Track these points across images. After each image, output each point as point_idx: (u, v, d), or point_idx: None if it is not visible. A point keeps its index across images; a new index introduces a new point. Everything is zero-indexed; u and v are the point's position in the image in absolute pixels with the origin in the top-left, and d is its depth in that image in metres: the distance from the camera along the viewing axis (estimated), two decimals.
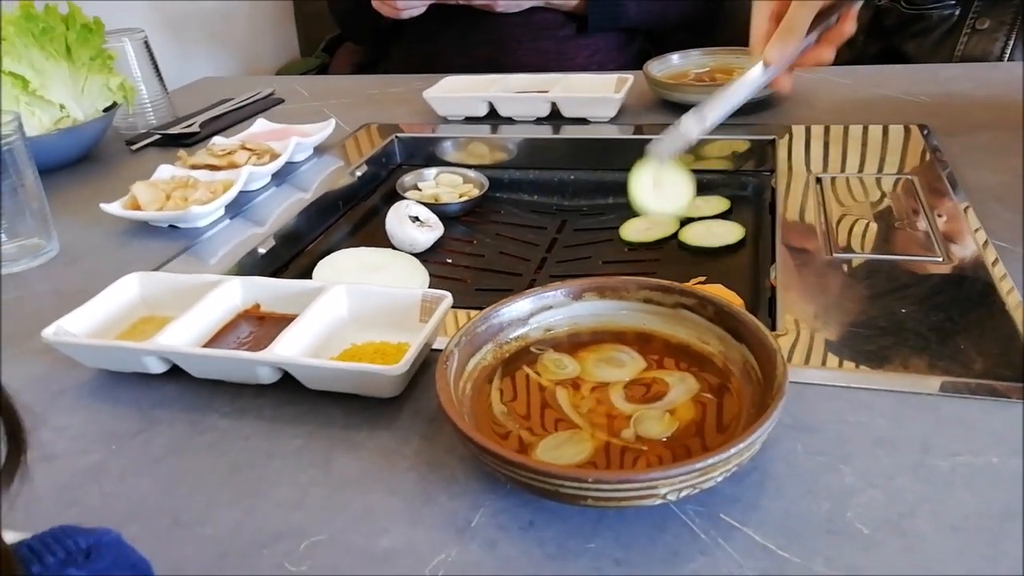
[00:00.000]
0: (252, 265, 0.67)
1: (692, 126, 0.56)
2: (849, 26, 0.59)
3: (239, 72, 1.63)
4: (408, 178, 0.84)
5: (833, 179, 0.70)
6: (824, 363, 0.46)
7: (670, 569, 0.34)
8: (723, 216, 0.75)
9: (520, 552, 0.35)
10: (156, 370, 0.48)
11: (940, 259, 0.55)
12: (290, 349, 0.46)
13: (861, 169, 0.72)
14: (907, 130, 0.78)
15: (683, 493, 0.34)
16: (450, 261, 0.74)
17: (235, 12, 1.60)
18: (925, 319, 0.49)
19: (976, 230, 0.58)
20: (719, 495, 0.37)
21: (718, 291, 0.54)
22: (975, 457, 0.38)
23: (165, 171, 0.75)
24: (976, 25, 1.11)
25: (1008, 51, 1.09)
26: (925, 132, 0.78)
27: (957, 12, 1.13)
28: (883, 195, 0.66)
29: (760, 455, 0.39)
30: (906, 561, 0.33)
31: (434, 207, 0.78)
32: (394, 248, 0.73)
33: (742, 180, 0.80)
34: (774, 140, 0.79)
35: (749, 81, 0.58)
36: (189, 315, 0.50)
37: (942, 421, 0.41)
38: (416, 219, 0.74)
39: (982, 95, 0.87)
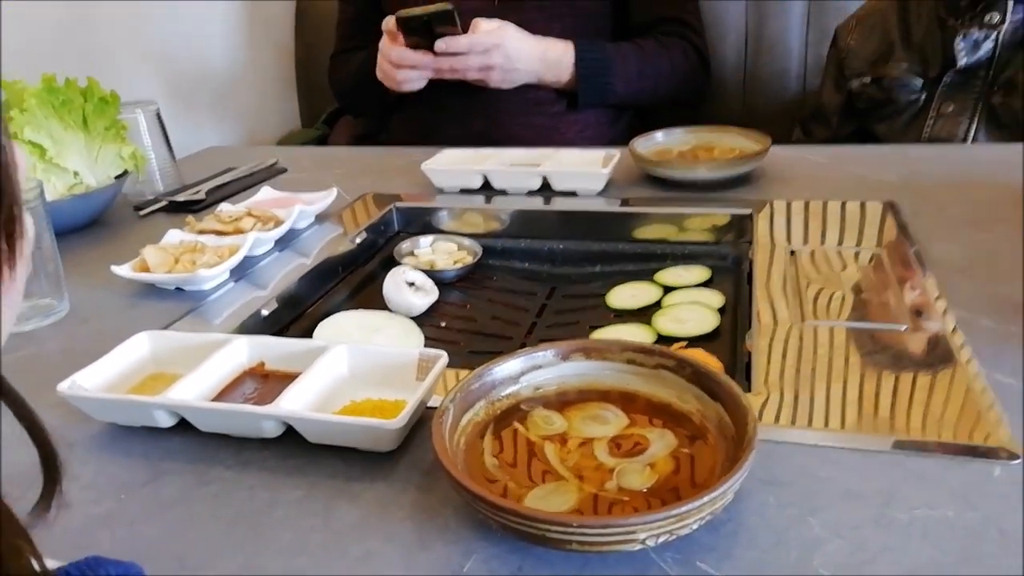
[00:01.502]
0: (255, 326, 0.70)
1: None
2: None
3: (243, 140, 1.69)
4: (405, 245, 0.88)
5: (807, 252, 0.74)
6: (794, 422, 0.49)
7: None
8: (704, 284, 0.79)
9: None
10: (165, 424, 0.51)
11: (905, 328, 0.59)
12: (293, 404, 0.49)
13: (835, 242, 0.76)
14: (878, 207, 0.83)
15: (661, 539, 0.37)
16: (444, 324, 0.77)
17: (241, 82, 1.68)
18: (889, 383, 0.52)
19: (945, 309, 0.62)
20: (696, 543, 0.40)
21: (698, 355, 0.57)
22: (932, 511, 0.41)
23: (174, 236, 0.79)
24: (941, 109, 1.18)
25: (972, 133, 1.16)
26: (894, 209, 0.83)
27: (923, 97, 1.20)
28: (854, 267, 0.70)
29: (735, 506, 0.42)
30: None
31: (430, 273, 0.81)
32: (391, 312, 0.76)
33: (722, 251, 0.85)
34: (752, 214, 0.84)
35: None
36: (197, 372, 0.53)
37: (903, 477, 0.44)
38: (412, 284, 0.78)
39: (947, 174, 0.92)
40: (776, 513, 0.42)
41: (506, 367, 0.49)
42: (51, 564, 0.27)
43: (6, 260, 0.25)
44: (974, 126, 1.16)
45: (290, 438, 0.50)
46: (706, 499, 0.36)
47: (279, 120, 1.76)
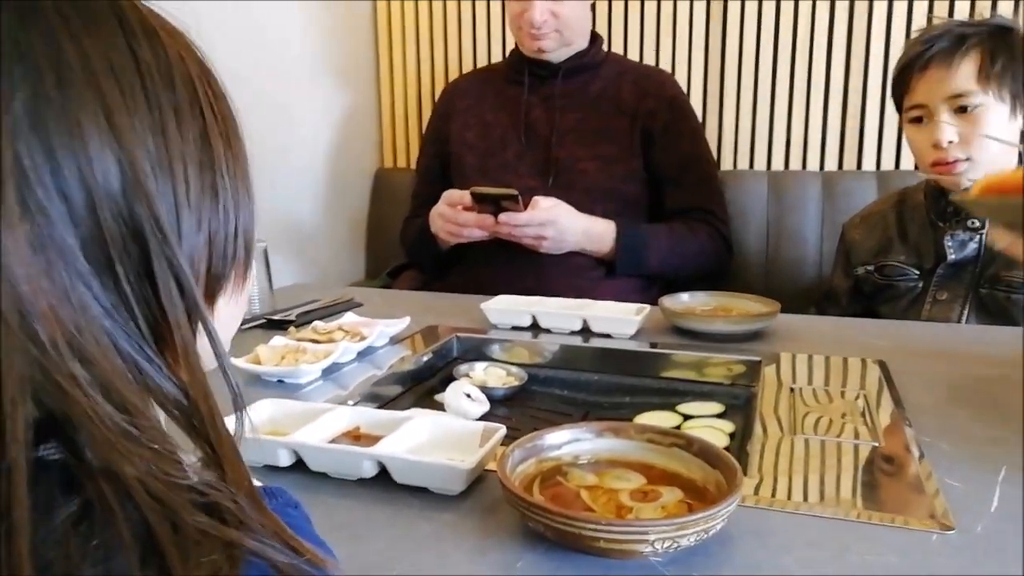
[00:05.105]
0: None
1: None
2: None
3: (316, 283, 1.92)
4: (463, 367, 1.03)
5: (806, 391, 0.88)
6: (775, 495, 0.61)
7: None
8: (718, 416, 0.92)
9: None
10: (285, 462, 0.65)
11: (877, 444, 0.72)
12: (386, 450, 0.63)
13: (827, 385, 0.90)
14: (870, 363, 0.97)
15: (666, 544, 0.49)
16: None
17: (320, 235, 1.94)
18: (857, 476, 0.65)
19: (913, 434, 0.75)
20: (692, 560, 0.52)
21: None
22: (879, 557, 0.53)
23: (279, 340, 0.96)
24: (936, 296, 1.34)
25: (964, 317, 1.31)
26: (883, 366, 0.97)
27: (921, 285, 1.37)
28: (841, 402, 0.83)
29: (725, 543, 0.54)
30: None
31: (482, 390, 0.96)
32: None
33: (735, 392, 0.99)
34: (761, 362, 0.98)
35: None
36: (308, 427, 0.67)
37: (858, 536, 0.56)
38: (468, 395, 0.93)
39: (934, 344, 1.07)
40: (757, 550, 0.54)
41: (554, 436, 0.63)
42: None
43: (242, 273, 0.41)
44: (966, 311, 1.31)
45: (378, 482, 0.63)
46: (701, 515, 0.49)
47: (348, 270, 2.00)
